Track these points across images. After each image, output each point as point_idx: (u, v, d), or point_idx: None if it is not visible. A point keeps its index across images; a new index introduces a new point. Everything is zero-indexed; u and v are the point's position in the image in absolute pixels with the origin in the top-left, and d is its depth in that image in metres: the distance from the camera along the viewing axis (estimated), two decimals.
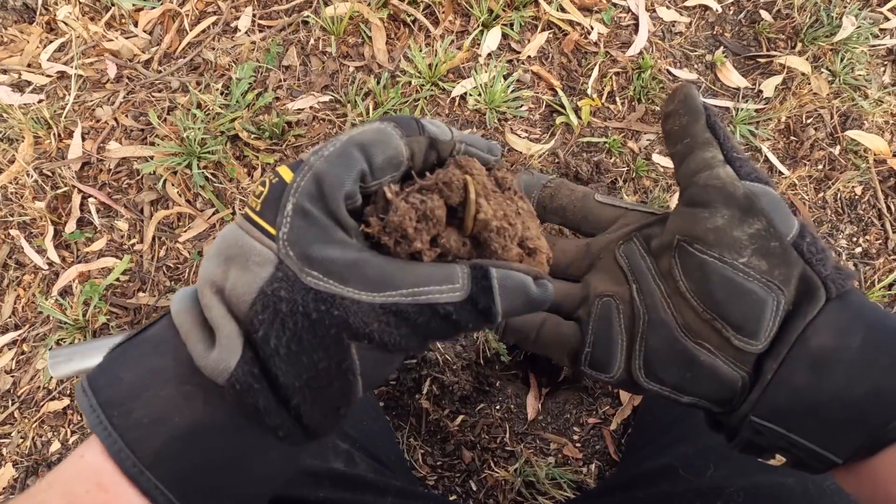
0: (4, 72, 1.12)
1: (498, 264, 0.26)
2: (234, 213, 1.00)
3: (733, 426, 0.31)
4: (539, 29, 1.10)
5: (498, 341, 0.87)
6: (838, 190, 1.01)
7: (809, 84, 1.05)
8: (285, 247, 0.24)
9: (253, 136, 1.02)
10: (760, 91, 1.06)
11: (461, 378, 0.87)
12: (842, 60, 1.05)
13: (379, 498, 0.55)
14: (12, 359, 0.93)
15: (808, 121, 1.04)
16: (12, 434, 0.89)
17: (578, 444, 0.87)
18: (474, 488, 0.85)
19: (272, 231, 0.25)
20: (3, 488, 0.87)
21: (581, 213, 0.39)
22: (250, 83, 1.06)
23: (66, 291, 0.96)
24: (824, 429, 0.28)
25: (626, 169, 1.01)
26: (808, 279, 0.30)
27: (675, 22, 1.12)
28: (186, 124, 1.01)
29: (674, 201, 1.00)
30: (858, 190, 1.01)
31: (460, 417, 0.88)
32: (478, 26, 1.09)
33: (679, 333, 0.31)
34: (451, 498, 0.84)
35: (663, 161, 1.02)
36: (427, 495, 0.62)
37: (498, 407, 0.90)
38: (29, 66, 1.13)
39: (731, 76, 1.07)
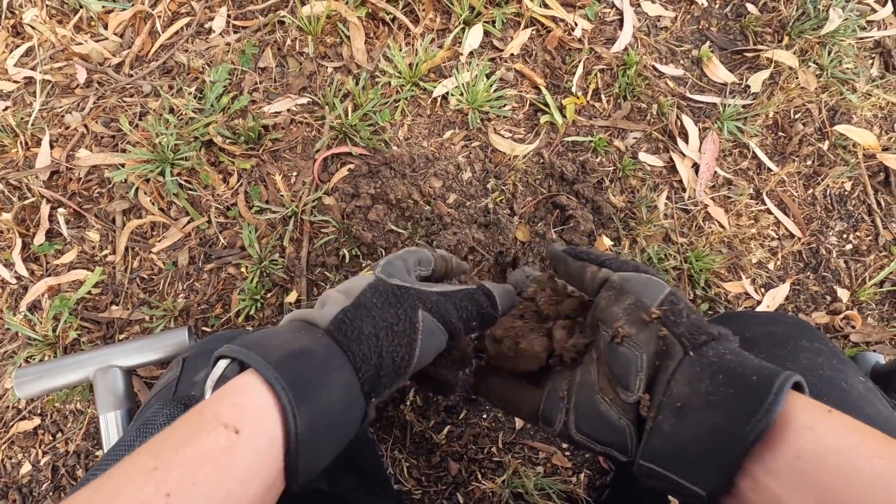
0: None
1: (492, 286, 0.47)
2: (209, 222, 0.96)
3: (634, 473, 0.37)
4: (522, 26, 1.07)
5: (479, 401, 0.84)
6: (828, 186, 0.99)
7: (797, 78, 1.03)
8: (379, 270, 0.43)
9: (228, 140, 0.98)
10: (748, 86, 1.04)
11: None
12: (829, 54, 1.04)
13: None
14: None
15: (797, 116, 1.02)
16: None
17: (567, 453, 0.85)
18: (461, 501, 0.82)
19: (371, 272, 0.44)
20: None
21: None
22: (225, 86, 1.03)
23: (35, 306, 0.92)
24: (690, 466, 0.33)
25: (612, 168, 0.99)
26: (666, 339, 0.36)
27: (660, 16, 1.10)
28: (159, 130, 0.97)
29: (661, 201, 0.98)
30: (848, 185, 0.99)
31: (446, 428, 0.85)
32: (459, 24, 1.06)
33: (595, 390, 0.39)
34: None
35: (650, 159, 1.00)
36: None
37: (485, 416, 0.87)
38: None
39: (718, 71, 1.05)
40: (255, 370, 0.33)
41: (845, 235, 0.98)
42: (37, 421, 0.88)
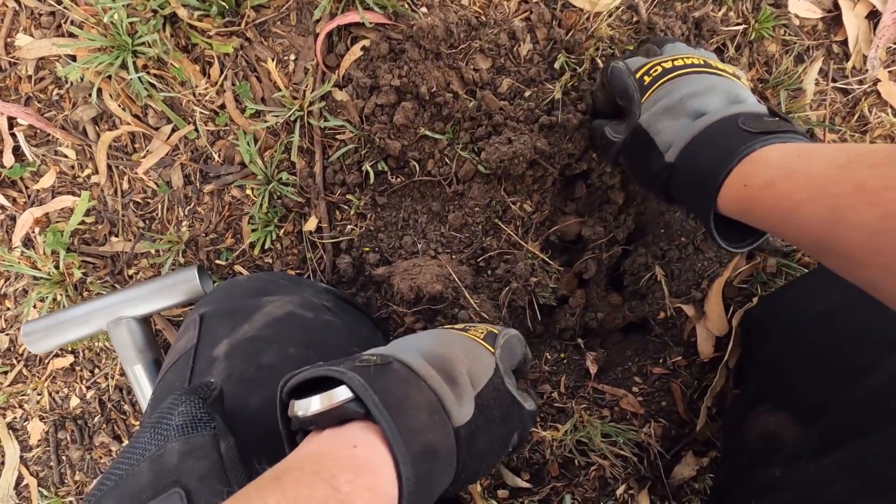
0: None
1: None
2: (197, 131, 0.76)
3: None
4: None
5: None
6: None
7: None
8: (498, 360, 0.45)
9: (197, 13, 0.72)
10: None
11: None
12: None
13: None
14: None
15: None
16: (27, 392, 0.85)
17: (640, 398, 0.74)
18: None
19: (492, 350, 0.46)
20: (38, 441, 0.86)
21: None
22: None
23: (28, 241, 0.81)
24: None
25: (741, 27, 0.67)
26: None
27: None
28: (104, 3, 0.71)
29: (810, 77, 0.68)
30: None
31: None
32: None
33: None
34: None
35: (802, 8, 0.67)
36: None
37: (547, 357, 0.76)
38: None
39: None
40: (393, 457, 0.32)
41: None
42: (71, 358, 0.84)
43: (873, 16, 0.66)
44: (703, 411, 0.70)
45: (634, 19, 0.69)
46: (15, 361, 0.85)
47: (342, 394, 0.33)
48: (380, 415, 0.32)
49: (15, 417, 0.87)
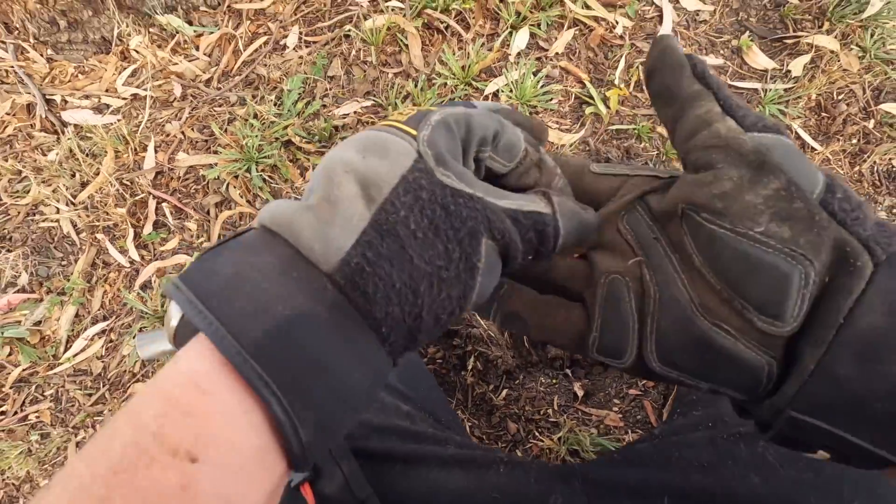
0: (87, 97, 1.26)
1: (557, 195, 0.30)
2: None
3: (765, 418, 0.27)
4: (565, 26, 1.16)
5: (498, 330, 0.91)
6: (875, 163, 1.01)
7: (839, 61, 1.06)
8: (424, 144, 0.26)
9: (304, 140, 1.11)
10: (789, 71, 1.08)
11: (505, 353, 0.92)
12: (872, 36, 1.06)
13: (440, 448, 0.61)
14: (102, 346, 1.04)
15: (840, 97, 1.05)
16: (104, 412, 1.00)
17: (619, 415, 0.90)
18: (520, 455, 0.89)
19: (413, 132, 0.26)
20: None
21: (577, 190, 0.35)
22: (300, 93, 1.16)
23: (146, 286, 1.07)
24: (877, 425, 0.23)
25: (655, 153, 1.05)
26: (846, 244, 0.24)
27: (699, 11, 1.16)
28: (245, 133, 1.11)
29: None
30: None
31: (504, 391, 0.93)
32: (507, 28, 1.16)
33: (694, 313, 0.27)
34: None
35: None
36: (484, 448, 0.67)
37: (542, 380, 0.94)
38: (107, 90, 1.28)
39: (758, 59, 1.10)
40: (223, 358, 0.22)
41: (895, 210, 0.99)
42: None
43: None
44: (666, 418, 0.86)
45: (587, 148, 1.07)
46: (101, 385, 1.02)
47: (174, 315, 0.25)
48: (193, 312, 0.22)
49: (84, 437, 0.99)
